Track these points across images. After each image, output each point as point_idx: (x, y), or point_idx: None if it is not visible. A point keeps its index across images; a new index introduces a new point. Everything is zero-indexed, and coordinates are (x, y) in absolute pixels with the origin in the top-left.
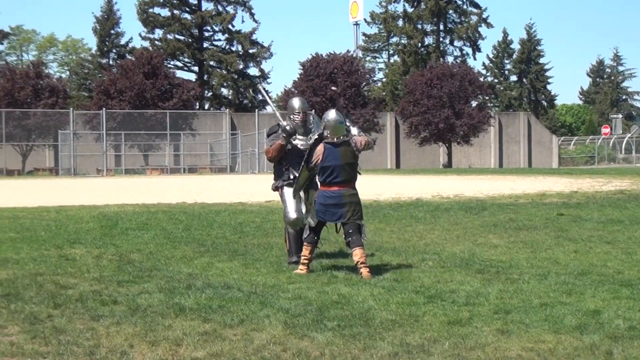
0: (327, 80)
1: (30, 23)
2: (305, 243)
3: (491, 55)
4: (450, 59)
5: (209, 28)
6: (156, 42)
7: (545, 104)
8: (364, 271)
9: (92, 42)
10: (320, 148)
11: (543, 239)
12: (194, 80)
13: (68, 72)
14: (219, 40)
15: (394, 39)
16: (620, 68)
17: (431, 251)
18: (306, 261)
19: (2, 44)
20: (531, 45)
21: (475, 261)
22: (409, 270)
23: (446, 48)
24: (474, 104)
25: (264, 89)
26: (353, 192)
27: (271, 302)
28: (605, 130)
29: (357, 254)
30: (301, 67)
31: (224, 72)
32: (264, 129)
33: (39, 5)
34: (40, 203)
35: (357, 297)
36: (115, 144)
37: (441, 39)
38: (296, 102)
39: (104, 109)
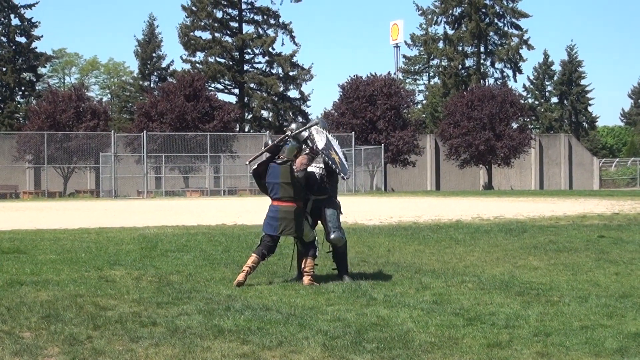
0: (366, 102)
1: (73, 46)
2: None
3: (532, 77)
4: (490, 80)
5: (249, 51)
6: (197, 64)
7: (586, 125)
8: (305, 279)
9: (133, 65)
10: (271, 164)
11: (584, 261)
12: (234, 102)
13: (110, 95)
14: (260, 62)
15: (435, 61)
16: None
17: (471, 273)
18: (247, 269)
19: (45, 67)
20: (572, 67)
21: (515, 283)
22: (448, 292)
23: (487, 70)
24: (514, 125)
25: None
26: (290, 209)
27: (310, 324)
28: None
29: (304, 263)
30: (341, 90)
31: (265, 94)
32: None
33: (81, 28)
34: (81, 225)
35: (396, 319)
36: (156, 166)
37: (482, 61)
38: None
39: (145, 131)
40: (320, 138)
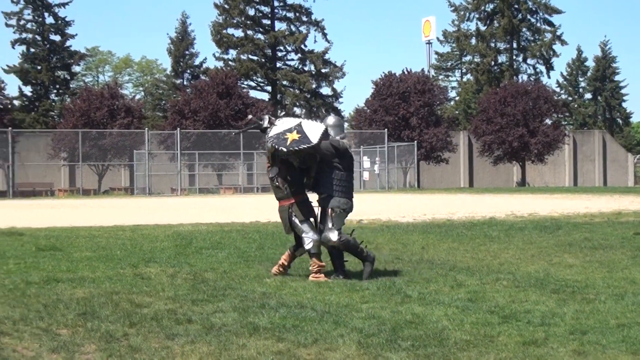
0: (400, 99)
1: (106, 44)
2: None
3: (565, 73)
4: (523, 77)
5: (282, 48)
6: (230, 62)
7: (621, 121)
8: (310, 277)
9: (166, 63)
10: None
11: (619, 258)
12: (267, 99)
13: (143, 93)
14: (292, 60)
15: (467, 58)
16: None
17: (505, 270)
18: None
19: (78, 65)
20: (606, 63)
21: (550, 281)
22: (483, 290)
23: (519, 66)
24: (548, 122)
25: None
26: (281, 208)
27: (345, 321)
28: None
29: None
30: (374, 86)
31: (297, 91)
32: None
33: (115, 27)
34: (116, 222)
35: (431, 316)
36: (190, 164)
37: (514, 57)
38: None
39: (178, 129)
40: (277, 128)
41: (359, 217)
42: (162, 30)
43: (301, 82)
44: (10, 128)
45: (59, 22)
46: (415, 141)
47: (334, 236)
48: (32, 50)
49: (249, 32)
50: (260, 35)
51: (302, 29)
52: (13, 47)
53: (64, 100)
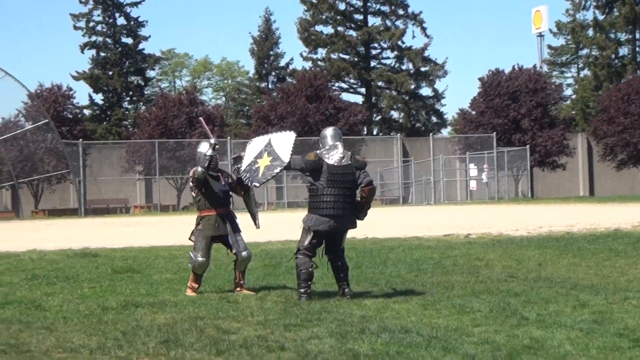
0: (509, 99)
1: (182, 46)
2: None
3: None
4: None
5: (376, 45)
6: (319, 62)
7: None
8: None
9: (249, 65)
10: None
11: None
12: (360, 103)
13: (224, 98)
14: (388, 58)
15: (584, 51)
16: None
17: (634, 289)
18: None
19: (153, 69)
20: None
21: None
22: (609, 310)
23: None
24: None
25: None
26: None
27: (455, 347)
28: None
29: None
30: (480, 85)
31: (394, 93)
32: (439, 155)
33: (191, 27)
34: None
35: (552, 341)
36: (277, 176)
37: (638, 49)
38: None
39: None
40: (247, 157)
41: (465, 231)
42: (244, 29)
43: (398, 83)
44: (81, 140)
45: (131, 23)
46: (528, 145)
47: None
48: (103, 54)
49: (340, 29)
50: (352, 32)
51: (399, 23)
52: (82, 52)
53: (138, 108)
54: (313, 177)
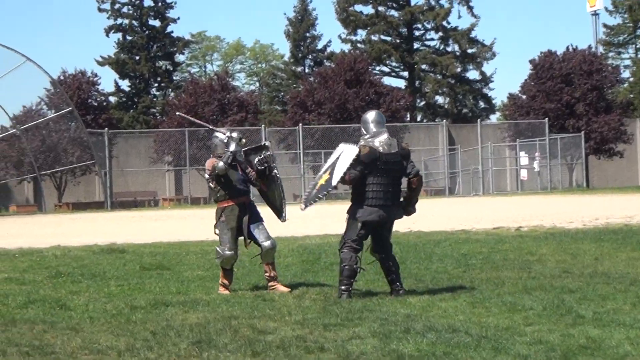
0: (562, 82)
1: (213, 29)
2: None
3: None
4: None
5: (419, 26)
6: (359, 44)
7: None
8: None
9: (284, 48)
10: None
11: None
12: (403, 87)
13: (258, 84)
14: (432, 39)
15: None
16: None
17: None
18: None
19: (182, 53)
20: None
21: None
22: None
23: None
24: None
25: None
26: None
27: (506, 347)
28: None
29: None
30: (531, 68)
31: (439, 76)
32: (487, 143)
33: (223, 8)
34: None
35: (610, 340)
36: (314, 165)
37: None
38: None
39: (300, 124)
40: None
41: (516, 224)
42: (279, 9)
43: (443, 66)
44: (106, 129)
45: (159, 4)
46: (582, 132)
47: (340, 244)
48: (129, 38)
49: (381, 9)
50: (393, 12)
51: (443, 2)
52: (107, 35)
53: (166, 94)
54: (363, 167)
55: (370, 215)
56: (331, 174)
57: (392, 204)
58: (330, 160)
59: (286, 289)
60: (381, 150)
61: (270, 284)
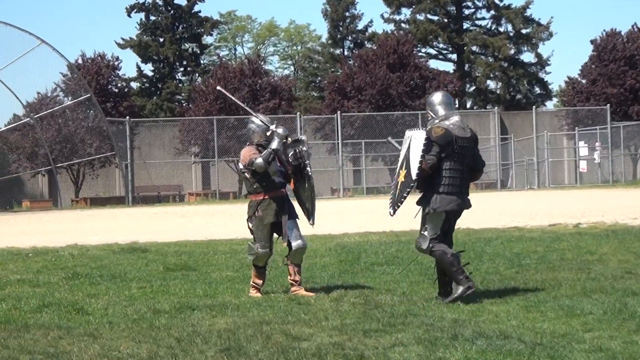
0: (626, 65)
1: (244, 8)
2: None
3: None
4: None
5: (469, 4)
6: (403, 24)
7: None
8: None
9: (321, 29)
10: None
11: None
12: (452, 71)
13: (293, 68)
14: (483, 19)
15: None
16: None
17: None
18: None
19: (210, 35)
20: None
21: None
22: None
23: None
24: None
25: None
26: None
27: (562, 355)
28: None
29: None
30: (592, 49)
31: (490, 59)
32: (543, 132)
33: None
34: None
35: None
36: (354, 156)
37: None
38: None
39: (338, 112)
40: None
41: (575, 220)
42: None
43: (495, 47)
44: (128, 117)
45: None
46: None
47: (424, 243)
48: (153, 18)
49: None
50: None
51: None
52: (129, 15)
53: (193, 80)
54: (439, 150)
55: (449, 204)
56: (408, 167)
57: (468, 192)
58: (402, 153)
59: (310, 294)
60: (456, 133)
61: (293, 288)
